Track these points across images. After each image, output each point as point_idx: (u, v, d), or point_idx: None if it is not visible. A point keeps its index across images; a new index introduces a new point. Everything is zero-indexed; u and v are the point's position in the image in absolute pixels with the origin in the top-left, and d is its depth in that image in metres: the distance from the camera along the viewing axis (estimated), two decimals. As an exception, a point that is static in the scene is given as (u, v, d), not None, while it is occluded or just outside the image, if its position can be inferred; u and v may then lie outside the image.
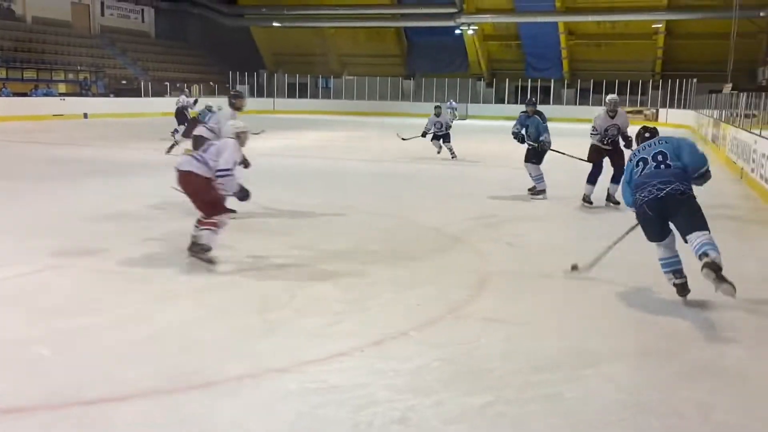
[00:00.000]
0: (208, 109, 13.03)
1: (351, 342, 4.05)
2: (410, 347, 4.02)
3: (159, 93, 34.04)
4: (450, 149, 14.93)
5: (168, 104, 33.70)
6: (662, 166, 4.90)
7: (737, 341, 4.23)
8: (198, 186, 5.47)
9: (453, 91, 39.53)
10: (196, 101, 18.20)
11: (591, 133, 9.15)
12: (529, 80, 38.79)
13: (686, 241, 4.74)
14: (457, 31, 38.74)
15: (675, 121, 32.08)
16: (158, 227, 7.11)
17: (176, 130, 15.86)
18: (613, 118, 9.00)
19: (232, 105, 8.12)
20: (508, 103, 39.69)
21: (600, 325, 4.50)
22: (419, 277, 5.54)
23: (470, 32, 38.09)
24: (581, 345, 4.11)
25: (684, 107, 32.72)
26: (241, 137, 5.78)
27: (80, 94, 31.62)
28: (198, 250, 5.45)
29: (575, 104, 37.93)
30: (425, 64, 42.49)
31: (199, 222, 5.53)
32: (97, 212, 7.96)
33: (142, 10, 42.12)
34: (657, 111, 34.59)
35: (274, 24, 41.66)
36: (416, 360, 3.82)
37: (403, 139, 15.90)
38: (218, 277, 5.34)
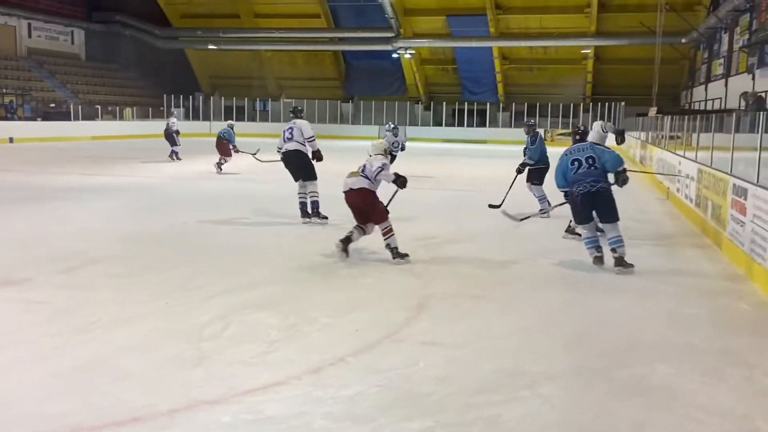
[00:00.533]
0: (230, 126, 16.02)
1: (288, 370, 3.98)
2: (348, 373, 3.98)
3: (90, 116, 33.18)
4: None
5: (98, 128, 32.99)
6: (592, 167, 6.69)
7: (664, 359, 4.34)
8: (370, 200, 6.92)
9: (391, 113, 39.90)
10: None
11: None
12: (466, 103, 39.61)
13: (601, 229, 6.94)
14: (395, 55, 39.25)
15: (605, 143, 33.16)
16: (84, 255, 6.87)
17: (174, 152, 18.16)
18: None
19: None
20: (446, 125, 40.43)
21: (535, 345, 4.56)
22: (357, 301, 5.51)
23: (407, 56, 38.66)
24: (518, 366, 4.15)
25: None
26: (386, 151, 7.38)
27: (5, 118, 30.49)
28: (396, 254, 6.79)
29: (510, 127, 38.84)
30: (364, 87, 42.82)
31: (383, 234, 6.91)
32: (20, 240, 7.64)
33: (72, 32, 41.08)
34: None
35: (210, 47, 41.29)
36: (354, 386, 3.78)
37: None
38: (148, 304, 5.19)
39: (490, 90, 40.44)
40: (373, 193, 6.99)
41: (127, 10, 41.46)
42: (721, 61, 26.33)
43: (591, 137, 7.09)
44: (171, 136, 19.19)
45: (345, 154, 16.69)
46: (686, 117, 14.62)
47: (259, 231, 8.76)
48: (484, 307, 5.46)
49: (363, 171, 7.03)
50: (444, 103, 40.47)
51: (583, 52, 36.27)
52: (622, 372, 4.10)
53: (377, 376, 3.92)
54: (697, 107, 28.72)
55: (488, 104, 39.76)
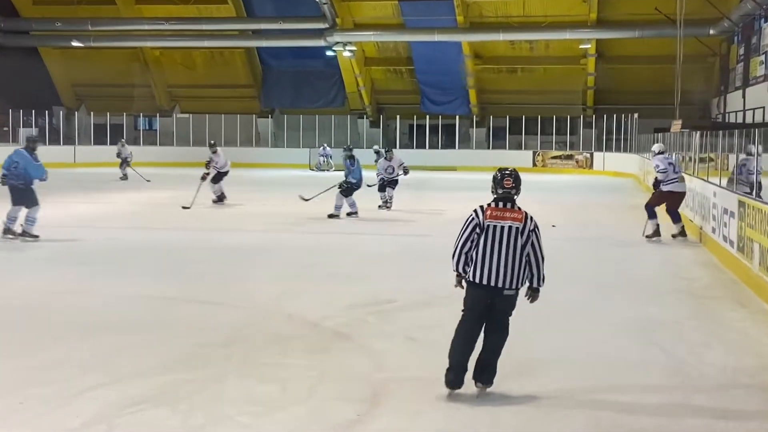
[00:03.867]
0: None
1: (195, 490, 3.94)
2: (279, 492, 3.97)
3: None
4: (391, 198, 18.12)
5: None
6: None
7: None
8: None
9: (326, 132, 40.09)
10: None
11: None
12: (427, 117, 39.95)
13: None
14: (330, 53, 39.58)
15: (614, 168, 33.99)
16: None
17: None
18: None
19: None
20: (401, 146, 40.69)
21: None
22: (289, 392, 5.49)
23: (346, 54, 39.01)
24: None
25: (624, 150, 34.72)
26: None
27: None
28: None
29: (488, 148, 39.42)
30: (287, 97, 42.99)
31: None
32: None
33: None
34: (591, 155, 36.50)
35: (74, 44, 40.99)
36: None
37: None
38: (2, 407, 5.09)
39: (459, 99, 40.96)
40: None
41: (-46, -6, 40.96)
42: (762, 58, 27.30)
43: None
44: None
45: (262, 188, 16.70)
46: (720, 133, 15.10)
47: (144, 298, 8.66)
48: (458, 395, 5.50)
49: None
50: (398, 117, 40.82)
51: (581, 47, 37.16)
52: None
53: (320, 495, 3.92)
54: (733, 119, 29.65)
55: (457, 118, 40.25)
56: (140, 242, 13.04)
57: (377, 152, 19.34)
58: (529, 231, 5.58)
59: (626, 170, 32.15)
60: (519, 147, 39.05)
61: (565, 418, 5.08)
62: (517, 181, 5.76)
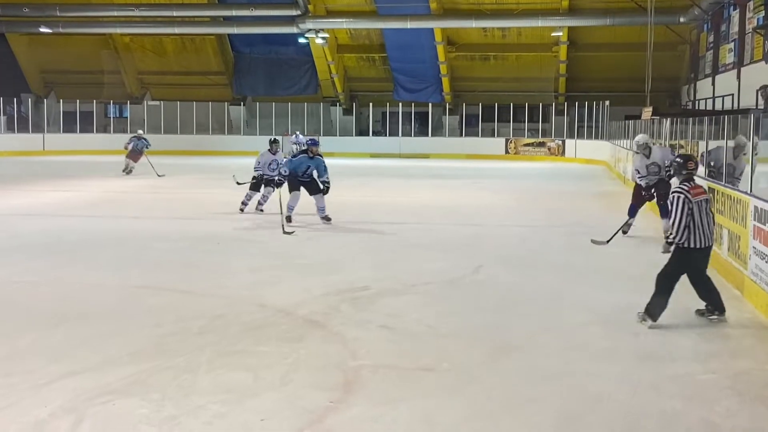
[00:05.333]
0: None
1: (167, 481, 3.91)
2: (252, 482, 3.95)
3: None
4: (266, 200, 15.32)
5: None
6: None
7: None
8: None
9: (299, 120, 40.03)
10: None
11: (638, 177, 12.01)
12: (400, 105, 40.09)
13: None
14: (302, 40, 39.47)
15: (586, 155, 34.23)
16: None
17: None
18: (648, 156, 11.79)
19: None
20: (374, 135, 40.77)
21: (508, 432, 4.65)
22: (261, 380, 5.48)
23: (319, 41, 38.93)
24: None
25: (596, 137, 34.97)
26: None
27: None
28: None
29: (461, 135, 39.54)
30: (259, 85, 42.85)
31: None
32: None
33: None
34: (563, 143, 36.74)
35: (42, 29, 40.55)
36: (262, 500, 3.75)
37: (237, 183, 16.20)
38: (-37, 398, 5.01)
39: (432, 86, 41.09)
40: None
41: None
42: (731, 45, 27.59)
43: None
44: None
45: (229, 176, 16.61)
46: (690, 119, 15.23)
47: (112, 285, 8.59)
48: (433, 382, 5.52)
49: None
50: (370, 104, 40.87)
51: (553, 35, 37.35)
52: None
53: (293, 484, 3.90)
54: (702, 106, 29.94)
55: (430, 106, 40.40)
56: (109, 230, 12.93)
57: (298, 142, 16.79)
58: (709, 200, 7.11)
59: (597, 157, 32.37)
60: (492, 134, 39.23)
61: (537, 404, 5.09)
62: (697, 164, 7.31)
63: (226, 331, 6.74)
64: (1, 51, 42.52)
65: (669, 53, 34.76)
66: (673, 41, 34.70)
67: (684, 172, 7.03)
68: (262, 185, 15.18)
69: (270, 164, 15.15)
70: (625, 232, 11.82)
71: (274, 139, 16.38)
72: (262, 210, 14.99)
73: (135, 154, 24.61)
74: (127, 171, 24.22)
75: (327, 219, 13.55)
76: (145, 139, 25.10)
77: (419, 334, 6.73)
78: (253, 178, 15.35)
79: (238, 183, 16.17)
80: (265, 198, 15.16)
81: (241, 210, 15.03)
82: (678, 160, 7.20)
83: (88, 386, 5.25)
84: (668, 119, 17.24)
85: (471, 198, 17.72)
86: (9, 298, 8.02)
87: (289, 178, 13.48)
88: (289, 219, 13.29)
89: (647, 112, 25.26)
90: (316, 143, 13.83)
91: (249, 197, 15.22)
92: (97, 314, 7.28)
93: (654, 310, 6.91)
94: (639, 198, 12.10)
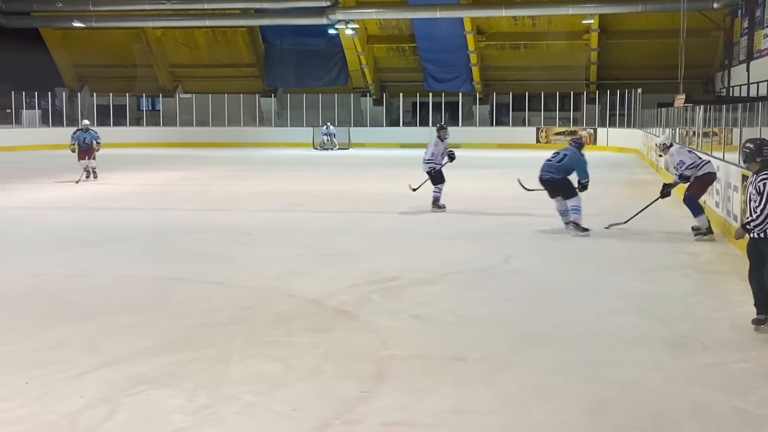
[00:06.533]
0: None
1: (199, 470, 3.95)
2: (284, 471, 3.97)
3: None
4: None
5: None
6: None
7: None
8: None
9: (329, 111, 40.05)
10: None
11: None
12: (430, 95, 39.97)
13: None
14: (332, 31, 39.48)
15: (618, 144, 33.92)
16: None
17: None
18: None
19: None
20: (404, 125, 40.70)
21: (534, 423, 4.64)
22: (293, 370, 5.50)
23: (349, 32, 38.89)
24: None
25: (628, 125, 34.69)
26: None
27: None
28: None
29: (491, 125, 39.38)
30: (290, 76, 42.95)
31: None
32: None
33: None
34: (595, 131, 36.45)
35: (76, 24, 40.91)
36: (293, 488, 3.77)
37: (413, 189, 14.96)
38: (8, 387, 5.10)
39: (463, 76, 40.93)
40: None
41: (-48, -25, 40.77)
42: (766, 31, 27.21)
43: None
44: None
45: (265, 168, 16.68)
46: (724, 107, 15.05)
47: (144, 277, 8.67)
48: (464, 372, 5.51)
49: None
50: (401, 95, 40.82)
51: (584, 22, 37.03)
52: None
53: (324, 473, 3.92)
54: (737, 93, 29.57)
55: (460, 95, 40.25)
56: (141, 222, 13.03)
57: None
58: None
59: (630, 146, 32.09)
60: (522, 123, 39.04)
61: (567, 393, 5.06)
62: None
63: (256, 322, 6.78)
64: (36, 46, 42.92)
65: (702, 39, 34.39)
66: (706, 27, 34.31)
67: (758, 159, 6.50)
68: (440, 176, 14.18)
69: (443, 153, 14.36)
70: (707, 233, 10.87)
71: (442, 125, 15.04)
72: (443, 206, 14.01)
73: (84, 152, 20.02)
74: (88, 176, 19.82)
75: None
76: (93, 131, 20.49)
77: (450, 324, 6.72)
78: (430, 173, 14.25)
79: (413, 189, 14.87)
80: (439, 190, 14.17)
81: (442, 207, 13.99)
82: (750, 146, 6.62)
83: (122, 377, 5.31)
84: (702, 107, 17.06)
85: (501, 187, 17.63)
86: (42, 289, 8.11)
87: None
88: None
89: (680, 100, 25.03)
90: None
91: (439, 190, 14.10)
92: (128, 306, 7.34)
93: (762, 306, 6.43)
94: (701, 189, 11.31)
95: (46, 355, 5.82)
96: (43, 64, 43.47)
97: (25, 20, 42.08)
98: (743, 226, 6.57)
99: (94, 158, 20.03)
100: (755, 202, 6.32)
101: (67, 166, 21.10)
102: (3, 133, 36.65)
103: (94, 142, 20.07)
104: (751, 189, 6.44)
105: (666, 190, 11.82)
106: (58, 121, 40.30)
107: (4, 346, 6.07)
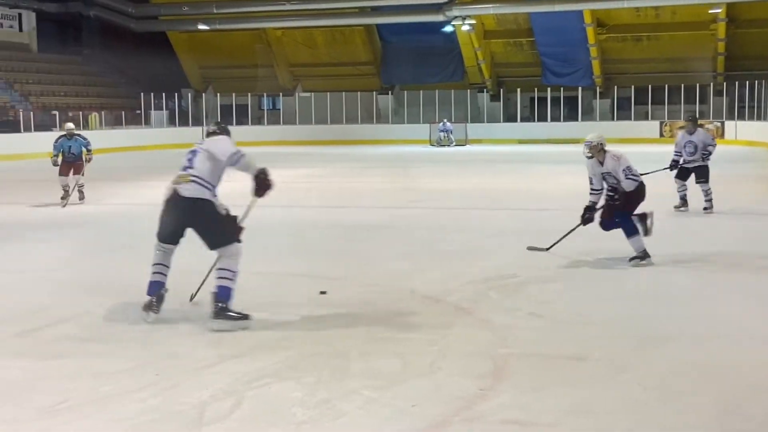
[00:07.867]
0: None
1: (321, 463, 4.02)
2: (403, 466, 4.01)
3: (45, 126, 33.91)
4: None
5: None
6: None
7: None
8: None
9: (446, 107, 40.04)
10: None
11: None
12: (549, 90, 39.47)
13: None
14: (448, 28, 39.44)
15: (747, 137, 32.69)
16: (44, 312, 7.02)
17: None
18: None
19: None
20: (522, 120, 40.28)
21: (658, 422, 4.54)
22: (412, 366, 5.52)
23: (465, 28, 38.77)
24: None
25: (758, 118, 33.39)
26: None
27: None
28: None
29: (612, 119, 38.58)
30: (406, 73, 43.10)
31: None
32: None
33: (19, 15, 42.30)
34: (723, 125, 35.23)
35: (200, 27, 42.15)
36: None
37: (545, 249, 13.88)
38: (130, 377, 5.29)
39: (582, 70, 40.26)
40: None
41: (89, -15, 42.57)
42: None
43: None
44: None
45: (383, 165, 16.83)
46: None
47: (267, 274, 8.84)
48: (584, 371, 5.44)
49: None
50: (518, 90, 40.43)
51: (711, 12, 35.91)
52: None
53: (443, 470, 3.93)
54: None
55: (580, 90, 39.59)
56: (264, 220, 13.29)
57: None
58: None
59: (760, 139, 30.90)
60: (645, 117, 38.15)
61: (694, 395, 4.93)
62: None
63: (375, 318, 6.83)
64: (164, 50, 44.46)
65: (840, 27, 32.90)
66: None
67: None
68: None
69: (686, 146, 13.11)
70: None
71: (694, 116, 14.09)
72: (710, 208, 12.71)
73: (68, 165, 15.29)
74: (74, 195, 15.09)
75: None
76: (80, 137, 15.65)
77: (568, 322, 6.63)
78: (672, 166, 13.06)
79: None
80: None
81: (708, 209, 12.74)
82: None
83: (245, 370, 5.43)
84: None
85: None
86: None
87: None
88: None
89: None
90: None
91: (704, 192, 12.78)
92: (250, 301, 7.50)
93: None
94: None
95: (175, 347, 6.01)
96: (171, 66, 44.98)
97: (153, 24, 43.69)
98: None
99: (82, 173, 15.38)
100: None
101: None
102: (134, 134, 38.11)
103: (84, 150, 15.48)
104: None
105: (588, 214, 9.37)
106: (184, 121, 41.70)
107: (138, 339, 6.29)
